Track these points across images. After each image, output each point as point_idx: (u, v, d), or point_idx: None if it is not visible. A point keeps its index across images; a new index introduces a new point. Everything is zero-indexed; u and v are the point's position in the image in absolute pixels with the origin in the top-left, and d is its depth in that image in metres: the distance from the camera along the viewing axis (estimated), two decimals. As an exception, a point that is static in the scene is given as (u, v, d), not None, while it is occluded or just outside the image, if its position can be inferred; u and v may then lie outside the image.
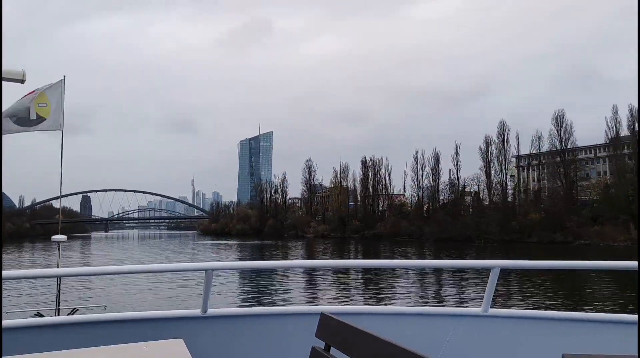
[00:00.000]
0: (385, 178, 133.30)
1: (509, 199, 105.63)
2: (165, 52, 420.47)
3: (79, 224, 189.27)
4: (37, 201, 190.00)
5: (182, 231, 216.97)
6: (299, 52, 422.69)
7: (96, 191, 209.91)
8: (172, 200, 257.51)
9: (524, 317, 3.74)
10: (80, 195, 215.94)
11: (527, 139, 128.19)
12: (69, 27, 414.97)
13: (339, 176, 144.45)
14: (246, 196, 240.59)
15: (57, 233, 10.38)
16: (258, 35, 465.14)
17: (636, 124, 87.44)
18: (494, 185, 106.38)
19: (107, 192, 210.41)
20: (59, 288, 11.13)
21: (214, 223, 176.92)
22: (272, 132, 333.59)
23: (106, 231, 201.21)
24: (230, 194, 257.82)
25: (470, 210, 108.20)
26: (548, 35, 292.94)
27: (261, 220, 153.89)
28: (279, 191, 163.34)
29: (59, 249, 10.81)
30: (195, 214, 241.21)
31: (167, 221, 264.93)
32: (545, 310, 5.01)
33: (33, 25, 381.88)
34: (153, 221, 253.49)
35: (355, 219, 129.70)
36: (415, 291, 28.29)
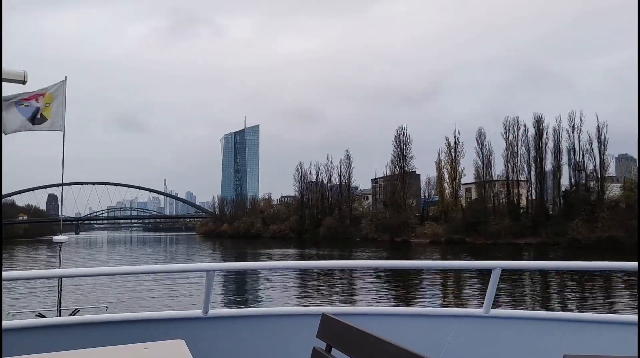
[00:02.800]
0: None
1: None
2: (112, 50, 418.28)
3: (46, 225, 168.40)
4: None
5: (167, 234, 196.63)
6: (255, 51, 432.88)
7: (82, 183, 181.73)
8: (167, 197, 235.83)
9: (526, 317, 3.72)
10: (47, 194, 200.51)
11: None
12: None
13: (452, 151, 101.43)
14: (230, 195, 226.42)
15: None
16: (206, 32, 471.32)
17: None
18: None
19: (71, 190, 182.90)
20: (60, 289, 10.96)
21: (225, 224, 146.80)
22: (258, 126, 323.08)
23: (77, 233, 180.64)
24: (206, 194, 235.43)
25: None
26: (502, 40, 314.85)
27: (301, 219, 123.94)
28: (337, 176, 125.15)
29: (60, 250, 10.80)
30: (193, 213, 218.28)
31: (145, 222, 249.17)
32: (546, 310, 4.75)
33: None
34: (124, 222, 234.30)
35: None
36: (416, 292, 28.01)
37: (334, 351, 2.40)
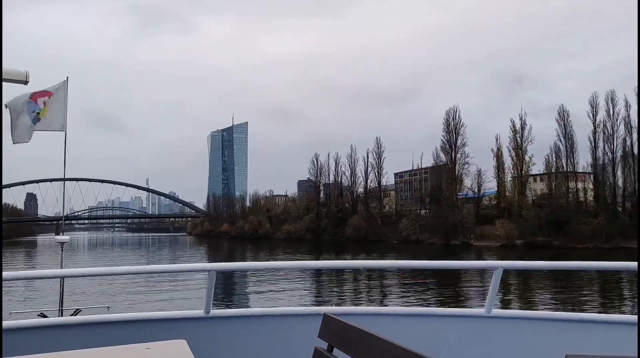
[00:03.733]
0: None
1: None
2: (87, 48, 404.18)
3: (25, 225, 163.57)
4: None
5: (154, 235, 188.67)
6: (235, 50, 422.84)
7: (72, 179, 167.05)
8: (160, 196, 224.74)
9: (527, 317, 3.73)
10: (25, 193, 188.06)
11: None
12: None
13: (518, 136, 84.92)
14: (217, 194, 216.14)
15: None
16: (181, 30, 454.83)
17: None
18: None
19: (52, 188, 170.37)
20: (62, 289, 10.95)
21: (225, 224, 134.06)
22: (247, 123, 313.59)
23: (57, 234, 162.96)
24: (190, 194, 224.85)
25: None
26: (483, 43, 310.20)
27: (317, 218, 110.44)
28: (362, 173, 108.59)
29: (62, 250, 10.82)
30: (177, 212, 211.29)
31: (128, 222, 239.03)
32: (548, 310, 4.64)
33: None
34: (106, 222, 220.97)
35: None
36: (418, 292, 27.77)
37: (336, 351, 2.39)
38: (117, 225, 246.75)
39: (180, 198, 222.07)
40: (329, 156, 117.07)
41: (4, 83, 5.00)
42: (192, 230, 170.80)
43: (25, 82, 5.64)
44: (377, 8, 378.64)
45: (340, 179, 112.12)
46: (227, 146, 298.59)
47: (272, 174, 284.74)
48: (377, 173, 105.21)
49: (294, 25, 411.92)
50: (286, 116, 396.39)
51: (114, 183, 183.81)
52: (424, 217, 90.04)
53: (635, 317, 3.49)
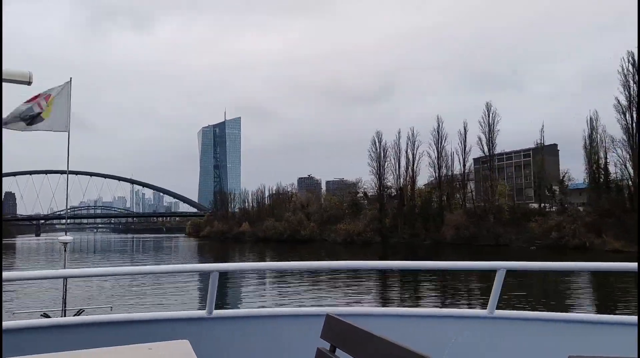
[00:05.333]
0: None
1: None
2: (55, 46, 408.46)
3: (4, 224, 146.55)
4: None
5: (147, 236, 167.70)
6: (211, 50, 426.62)
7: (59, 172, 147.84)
8: (165, 193, 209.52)
9: (530, 318, 3.72)
10: (3, 191, 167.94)
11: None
12: None
13: None
14: (208, 192, 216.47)
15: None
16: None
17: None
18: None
19: (34, 185, 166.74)
20: (65, 289, 11.03)
21: (244, 223, 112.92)
22: (240, 118, 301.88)
23: (37, 235, 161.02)
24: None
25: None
26: (453, 46, 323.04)
27: (380, 214, 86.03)
28: (406, 171, 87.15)
29: (65, 250, 10.78)
30: (180, 210, 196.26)
31: (112, 222, 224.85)
32: (550, 311, 4.32)
33: None
34: (88, 221, 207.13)
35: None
36: (421, 293, 28.01)
37: (338, 351, 2.40)
38: (100, 226, 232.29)
39: (164, 198, 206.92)
40: (399, 134, 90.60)
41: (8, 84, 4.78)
42: (193, 231, 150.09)
43: (29, 83, 4.73)
44: (356, 8, 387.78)
45: (416, 166, 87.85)
46: (219, 142, 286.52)
47: (255, 173, 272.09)
48: (489, 145, 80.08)
49: (270, 25, 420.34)
50: (261, 115, 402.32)
51: (104, 176, 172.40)
52: (585, 213, 65.49)
53: (635, 318, 3.50)
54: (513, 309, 5.17)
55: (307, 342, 2.89)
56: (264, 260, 62.82)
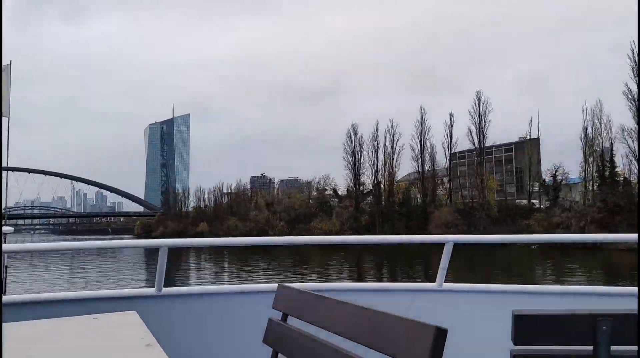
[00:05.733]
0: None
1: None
2: None
3: None
4: None
5: (87, 237, 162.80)
6: (161, 49, 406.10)
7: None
8: (119, 192, 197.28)
9: (477, 290, 3.81)
10: None
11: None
12: None
13: None
14: (155, 192, 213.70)
15: None
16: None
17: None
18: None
19: None
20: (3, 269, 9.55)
21: (202, 223, 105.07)
22: (189, 115, 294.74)
23: None
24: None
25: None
26: (399, 46, 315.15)
27: (356, 212, 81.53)
28: (385, 168, 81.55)
29: (4, 241, 8.35)
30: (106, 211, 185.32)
31: (51, 222, 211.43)
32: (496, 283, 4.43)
33: None
34: (23, 223, 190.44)
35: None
36: (372, 268, 28.88)
37: (290, 319, 2.35)
38: (37, 227, 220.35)
39: (107, 198, 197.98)
40: (377, 126, 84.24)
41: None
42: (142, 232, 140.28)
43: None
44: (309, 7, 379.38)
45: (395, 160, 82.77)
46: (166, 139, 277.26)
47: (205, 173, 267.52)
48: (480, 138, 76.41)
49: (221, 24, 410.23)
50: (210, 114, 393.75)
51: (57, 175, 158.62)
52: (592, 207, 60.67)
53: (580, 287, 3.90)
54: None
55: (259, 316, 2.75)
56: (227, 266, 56.74)
